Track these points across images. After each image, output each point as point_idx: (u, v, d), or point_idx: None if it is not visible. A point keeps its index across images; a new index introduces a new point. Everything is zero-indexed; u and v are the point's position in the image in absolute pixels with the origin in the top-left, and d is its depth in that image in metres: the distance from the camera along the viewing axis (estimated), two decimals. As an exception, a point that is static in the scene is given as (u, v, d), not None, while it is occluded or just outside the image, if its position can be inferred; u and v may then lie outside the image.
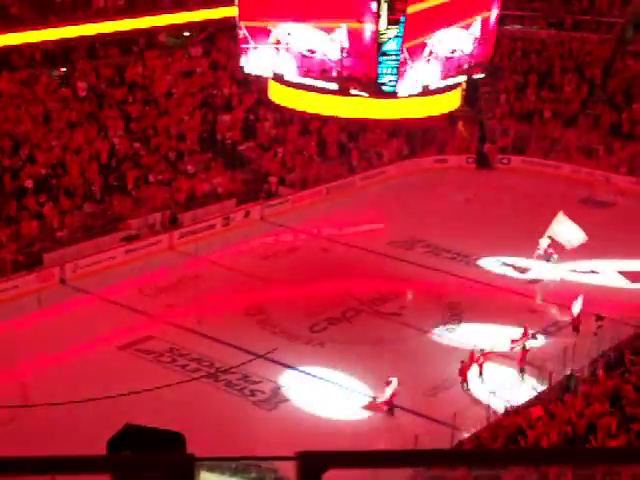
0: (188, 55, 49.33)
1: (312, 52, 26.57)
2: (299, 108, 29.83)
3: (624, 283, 35.04)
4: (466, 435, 24.17)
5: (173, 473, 3.82)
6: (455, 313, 32.58)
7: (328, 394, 27.46)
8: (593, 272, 35.65)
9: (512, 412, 24.43)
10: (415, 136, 47.90)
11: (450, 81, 27.80)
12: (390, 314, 32.37)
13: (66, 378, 27.54)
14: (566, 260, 35.62)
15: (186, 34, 50.12)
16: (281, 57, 27.27)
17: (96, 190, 38.51)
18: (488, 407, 25.37)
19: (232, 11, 29.82)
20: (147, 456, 4.02)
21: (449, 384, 27.87)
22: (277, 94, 29.06)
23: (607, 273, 35.63)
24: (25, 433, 24.28)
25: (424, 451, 3.87)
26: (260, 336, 30.56)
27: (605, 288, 34.48)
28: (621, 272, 35.65)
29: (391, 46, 24.91)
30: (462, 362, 27.82)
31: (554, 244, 35.34)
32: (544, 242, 35.43)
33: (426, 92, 27.06)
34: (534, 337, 30.25)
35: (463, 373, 27.77)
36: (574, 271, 35.62)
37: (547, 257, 35.79)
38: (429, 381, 27.95)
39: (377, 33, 24.91)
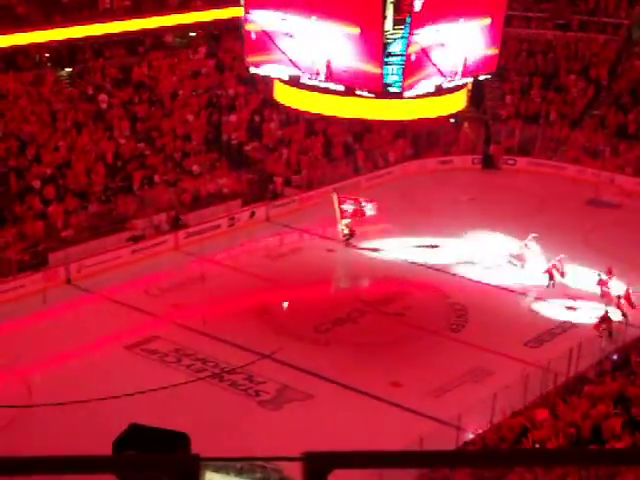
0: (193, 55, 49.35)
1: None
2: (304, 109, 29.82)
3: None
4: (471, 436, 24.16)
5: (178, 473, 3.82)
6: (460, 314, 32.58)
7: (333, 394, 27.44)
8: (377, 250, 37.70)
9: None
10: (421, 137, 47.91)
11: (456, 82, 27.77)
12: (395, 314, 32.37)
13: (71, 378, 27.57)
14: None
15: (192, 34, 50.15)
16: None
17: (101, 190, 38.56)
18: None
19: (238, 11, 29.86)
20: (152, 456, 4.03)
21: (454, 385, 27.87)
22: (282, 95, 29.06)
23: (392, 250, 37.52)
24: (30, 433, 24.32)
25: (429, 452, 3.87)
26: (265, 336, 30.57)
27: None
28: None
29: (397, 47, 24.89)
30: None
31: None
32: (343, 224, 37.44)
33: (432, 93, 27.04)
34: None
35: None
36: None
37: (349, 236, 37.61)
38: (434, 382, 27.94)
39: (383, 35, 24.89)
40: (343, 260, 37.01)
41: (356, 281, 36.14)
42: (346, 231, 37.21)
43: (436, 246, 37.55)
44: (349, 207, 37.35)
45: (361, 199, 37.80)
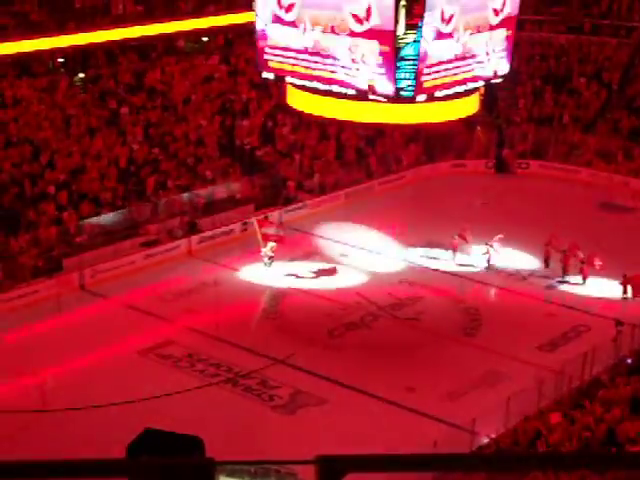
0: (206, 60, 49.40)
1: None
2: (317, 113, 29.82)
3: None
4: (485, 440, 24.11)
5: (193, 477, 3.83)
6: (474, 318, 32.53)
7: (346, 399, 27.42)
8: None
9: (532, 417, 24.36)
10: (433, 141, 47.87)
11: (469, 86, 27.73)
12: (408, 319, 32.34)
13: (85, 383, 27.63)
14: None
15: (204, 39, 50.21)
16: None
17: (115, 196, 38.64)
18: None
19: (250, 17, 29.88)
20: (167, 460, 4.04)
21: (468, 389, 27.82)
22: (295, 99, 29.08)
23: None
24: (45, 437, 24.38)
25: (443, 455, 3.87)
26: (279, 341, 30.58)
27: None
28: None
29: (409, 51, 24.87)
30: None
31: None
32: (269, 247, 35.79)
33: (444, 97, 27.01)
34: None
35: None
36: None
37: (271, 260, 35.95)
38: (448, 386, 27.91)
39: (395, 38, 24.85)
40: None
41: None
42: (270, 254, 35.82)
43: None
44: (271, 231, 36.65)
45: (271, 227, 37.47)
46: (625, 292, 33.85)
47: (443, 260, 37.12)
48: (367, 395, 27.54)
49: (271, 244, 35.81)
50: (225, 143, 44.65)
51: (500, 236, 36.59)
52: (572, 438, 22.09)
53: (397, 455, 3.85)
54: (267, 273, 35.68)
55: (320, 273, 35.79)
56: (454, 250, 37.06)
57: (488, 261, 36.57)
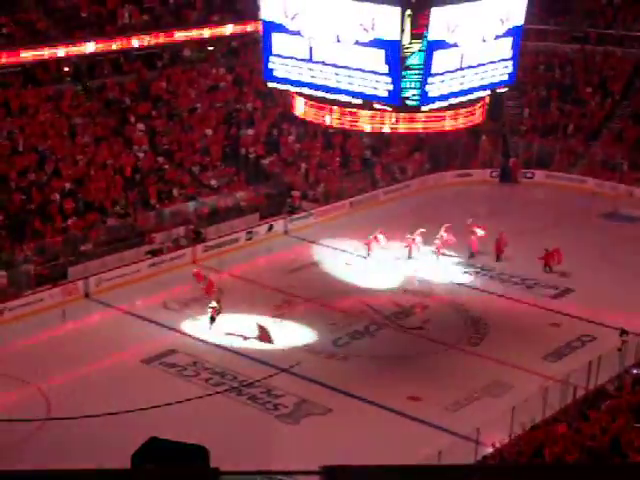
0: (211, 69, 49.44)
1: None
2: (322, 122, 29.83)
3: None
4: (490, 450, 24.05)
5: (197, 486, 3.83)
6: (478, 327, 32.49)
7: (351, 408, 27.39)
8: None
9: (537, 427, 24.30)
10: (438, 150, 47.87)
11: (474, 95, 27.75)
12: (413, 328, 32.30)
13: (90, 391, 27.62)
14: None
15: (210, 49, 50.25)
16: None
17: (120, 204, 38.65)
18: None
19: (256, 26, 29.94)
20: (172, 469, 4.04)
21: (473, 398, 27.78)
22: (300, 108, 29.09)
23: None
24: (49, 446, 24.38)
25: (447, 466, 3.87)
26: (283, 350, 30.55)
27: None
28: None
29: (415, 60, 24.90)
30: None
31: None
32: (214, 304, 31.54)
33: (450, 106, 27.05)
34: None
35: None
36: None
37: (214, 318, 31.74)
38: (452, 396, 27.86)
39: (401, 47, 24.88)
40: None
41: None
42: (216, 307, 31.69)
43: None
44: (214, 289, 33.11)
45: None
46: (546, 267, 36.68)
47: (449, 269, 37.15)
48: (372, 404, 27.51)
49: (213, 304, 31.75)
50: (230, 152, 44.68)
51: (422, 230, 38.10)
52: (577, 448, 22.02)
53: (401, 465, 3.85)
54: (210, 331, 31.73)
55: (260, 334, 31.45)
56: (369, 249, 38.23)
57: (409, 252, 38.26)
